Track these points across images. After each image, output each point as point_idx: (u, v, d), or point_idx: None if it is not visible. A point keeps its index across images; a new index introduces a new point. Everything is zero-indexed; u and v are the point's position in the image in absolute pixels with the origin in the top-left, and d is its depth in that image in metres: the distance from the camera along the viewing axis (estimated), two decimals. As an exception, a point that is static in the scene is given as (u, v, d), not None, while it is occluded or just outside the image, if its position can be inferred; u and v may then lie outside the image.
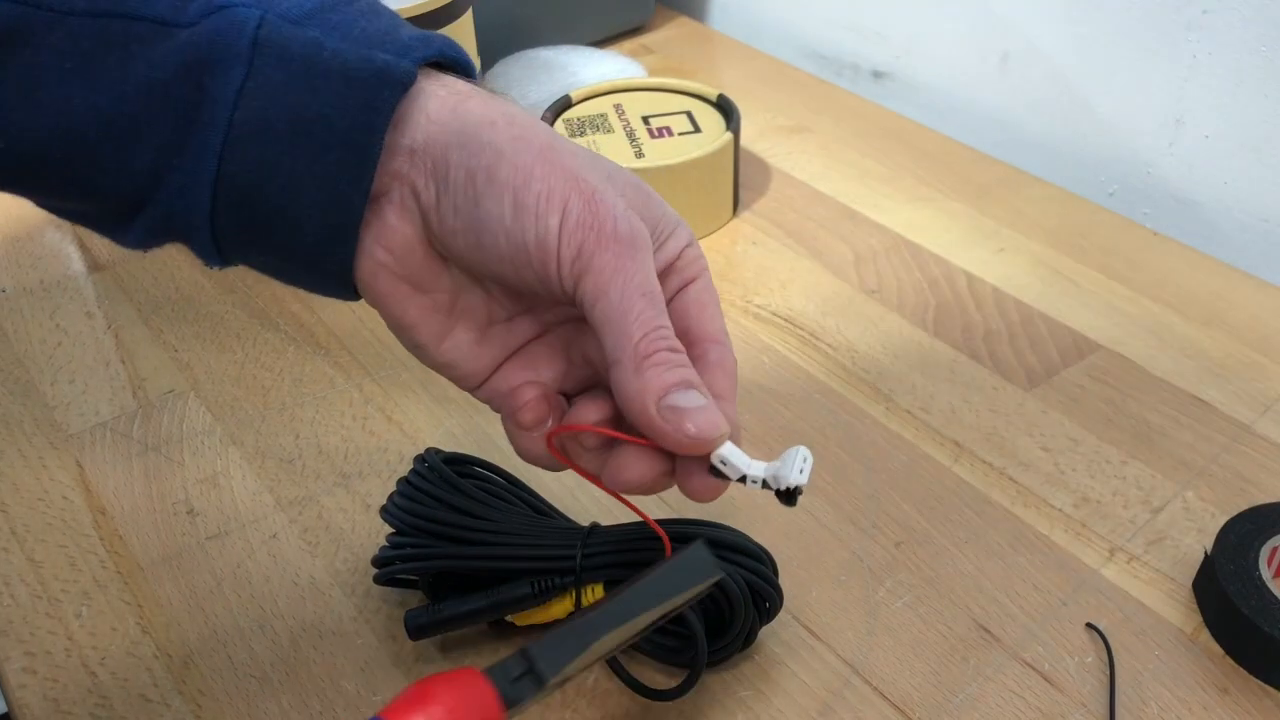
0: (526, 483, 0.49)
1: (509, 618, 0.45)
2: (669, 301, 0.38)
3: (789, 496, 0.35)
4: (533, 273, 0.35)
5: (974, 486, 0.53)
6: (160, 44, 0.32)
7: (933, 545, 0.50)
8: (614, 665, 0.44)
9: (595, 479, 0.37)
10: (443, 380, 0.59)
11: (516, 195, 0.34)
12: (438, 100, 0.35)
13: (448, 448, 0.54)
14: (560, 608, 0.44)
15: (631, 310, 0.34)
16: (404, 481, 0.47)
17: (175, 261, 0.69)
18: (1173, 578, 0.49)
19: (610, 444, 0.37)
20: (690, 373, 0.35)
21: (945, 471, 0.54)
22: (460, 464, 0.48)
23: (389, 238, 0.36)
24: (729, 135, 0.71)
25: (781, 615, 0.46)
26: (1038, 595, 0.48)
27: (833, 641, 0.46)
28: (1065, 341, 0.63)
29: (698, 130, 0.73)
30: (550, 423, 0.38)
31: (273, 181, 0.34)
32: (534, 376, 0.39)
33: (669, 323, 0.35)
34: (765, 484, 0.35)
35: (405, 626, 0.44)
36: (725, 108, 0.74)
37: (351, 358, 0.61)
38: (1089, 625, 0.47)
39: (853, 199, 0.76)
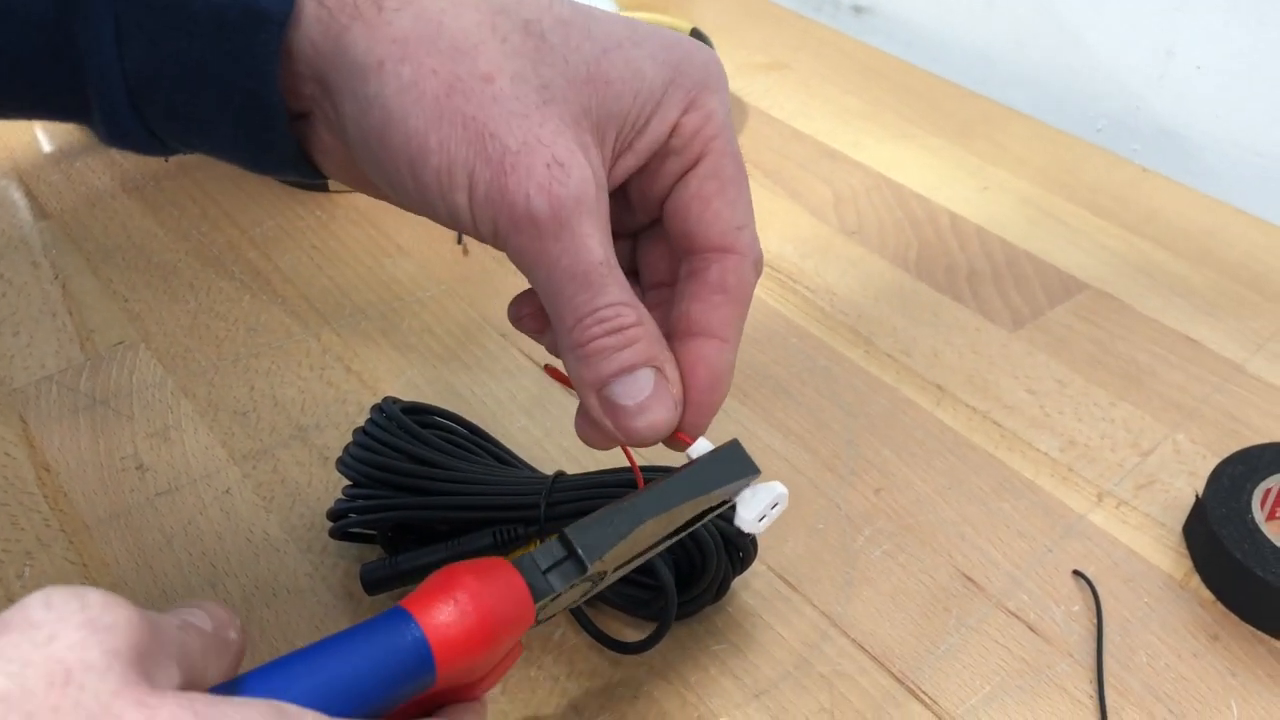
0: (490, 432, 0.46)
1: (471, 572, 0.43)
2: (667, 196, 0.33)
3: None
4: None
5: (956, 431, 0.51)
6: None
7: (913, 492, 0.48)
8: (580, 618, 0.42)
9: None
10: (405, 329, 0.57)
11: (414, 170, 0.29)
12: (320, 27, 0.29)
13: (410, 398, 0.52)
14: (524, 560, 0.42)
15: (559, 296, 0.30)
16: (360, 432, 0.45)
17: (127, 209, 0.66)
18: (1162, 522, 0.47)
19: None
20: (638, 352, 0.30)
21: (927, 416, 0.52)
22: (420, 414, 0.46)
23: (331, 152, 0.32)
24: (703, 71, 0.68)
25: (755, 565, 0.44)
26: (1022, 542, 0.46)
27: (809, 592, 0.44)
28: (1051, 281, 0.61)
29: (670, 66, 0.70)
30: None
31: (192, 128, 0.31)
32: None
33: (612, 296, 0.30)
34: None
35: (360, 580, 0.42)
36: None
37: (309, 306, 0.59)
38: (1076, 572, 0.45)
39: (832, 138, 0.73)
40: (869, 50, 0.84)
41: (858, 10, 0.90)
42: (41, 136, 0.73)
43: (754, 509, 0.33)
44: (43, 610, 0.22)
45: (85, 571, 0.45)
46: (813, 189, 0.68)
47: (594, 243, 0.29)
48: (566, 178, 0.28)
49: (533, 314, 0.34)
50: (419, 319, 0.58)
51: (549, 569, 0.30)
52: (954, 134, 0.73)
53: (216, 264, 0.62)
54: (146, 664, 0.23)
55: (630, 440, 0.31)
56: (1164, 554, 0.46)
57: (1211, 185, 0.69)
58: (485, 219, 0.29)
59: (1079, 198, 0.67)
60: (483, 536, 0.41)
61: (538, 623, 0.31)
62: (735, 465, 0.33)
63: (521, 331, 0.34)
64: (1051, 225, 0.65)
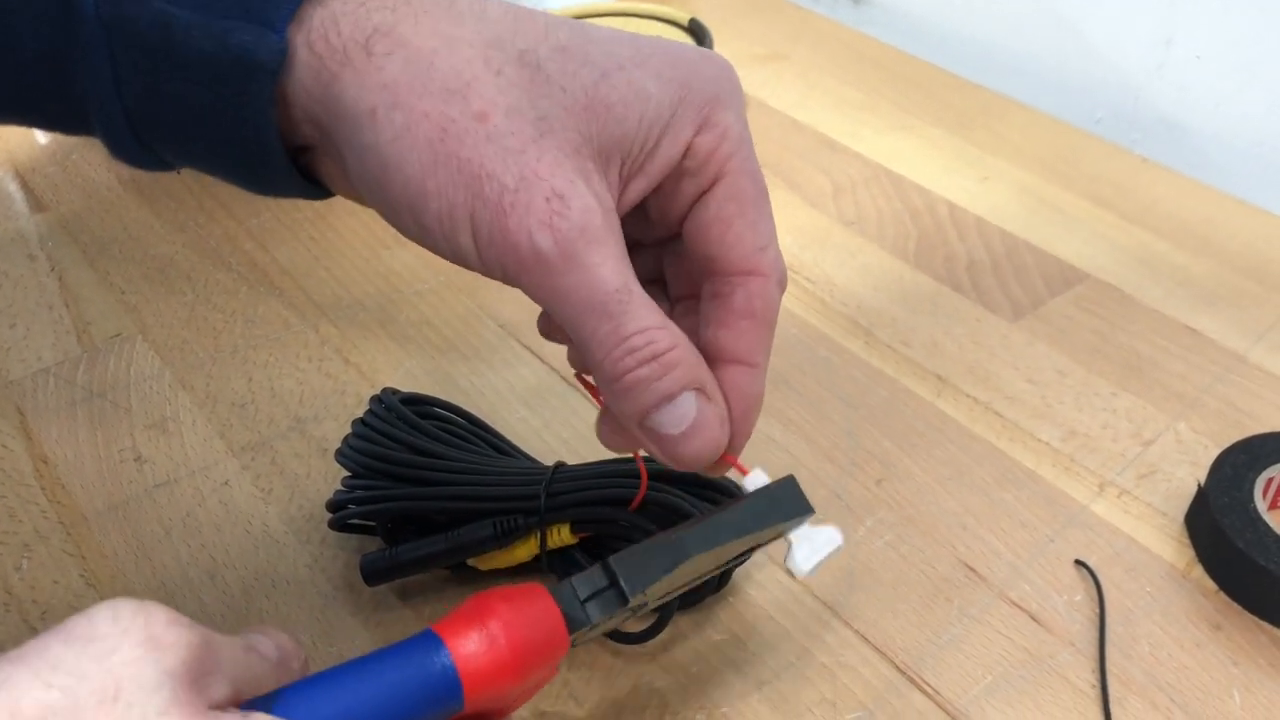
0: (489, 423, 0.46)
1: (470, 561, 0.43)
2: (685, 215, 0.32)
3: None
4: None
5: (957, 421, 0.51)
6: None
7: (915, 482, 0.48)
8: (581, 611, 0.42)
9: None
10: (403, 320, 0.57)
11: (415, 216, 0.28)
12: (312, 74, 0.28)
13: (408, 389, 0.52)
14: (524, 550, 0.42)
15: (583, 330, 0.29)
16: (359, 422, 0.45)
17: (124, 201, 0.66)
18: (1164, 512, 0.47)
19: None
20: (677, 378, 0.29)
21: (928, 406, 0.52)
22: (419, 404, 0.46)
23: (338, 178, 0.32)
24: (701, 61, 0.67)
25: (756, 556, 0.44)
26: (1024, 532, 0.46)
27: (811, 583, 0.44)
28: (1051, 271, 0.60)
29: (669, 57, 0.70)
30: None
31: (195, 159, 0.31)
32: None
33: (638, 321, 0.29)
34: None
35: (360, 571, 0.42)
36: (697, 32, 0.71)
37: (306, 297, 0.58)
38: (1078, 562, 0.45)
39: (831, 128, 0.73)
40: (867, 41, 0.83)
41: (856, 1, 0.89)
42: (38, 130, 0.73)
43: (811, 557, 0.32)
44: (109, 624, 0.23)
45: (84, 564, 0.45)
46: (811, 180, 0.68)
47: (606, 271, 0.28)
48: (567, 210, 0.28)
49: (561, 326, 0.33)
50: (417, 310, 0.57)
51: (589, 599, 0.29)
52: (953, 124, 0.73)
53: (214, 256, 0.61)
54: (201, 684, 0.24)
55: (679, 466, 0.31)
56: (1166, 543, 0.46)
57: (1211, 175, 0.69)
58: (492, 260, 0.28)
59: (1078, 188, 0.67)
60: (483, 527, 0.41)
61: (572, 647, 0.31)
62: (790, 503, 0.32)
63: (553, 342, 0.34)
64: (1051, 215, 0.65)
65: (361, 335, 0.56)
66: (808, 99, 0.76)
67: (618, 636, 0.41)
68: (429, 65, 0.28)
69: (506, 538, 0.41)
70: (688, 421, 0.30)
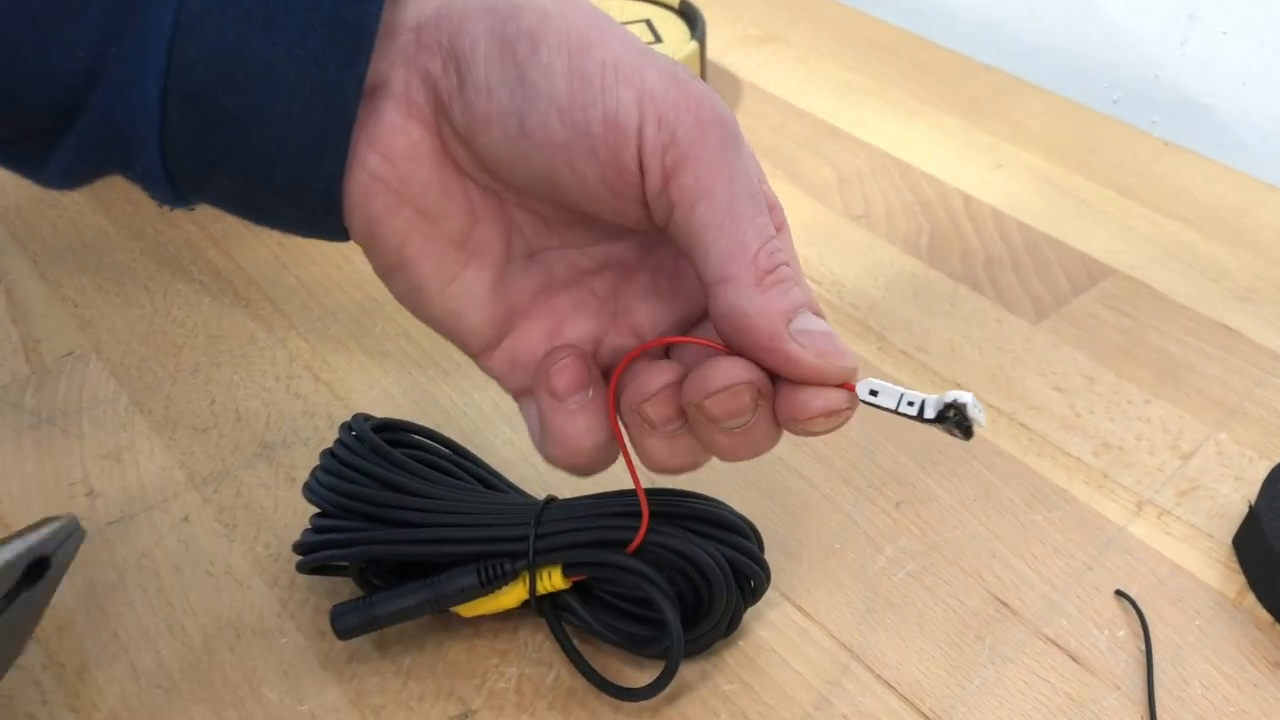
0: (472, 447, 0.42)
1: (454, 608, 0.39)
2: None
3: (965, 428, 0.28)
4: (596, 166, 0.27)
5: (981, 435, 0.47)
6: None
7: (937, 505, 0.44)
8: (577, 660, 0.38)
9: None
10: (378, 334, 0.53)
11: (573, 63, 0.27)
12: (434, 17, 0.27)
13: (385, 410, 0.48)
14: (512, 596, 0.38)
15: (743, 215, 0.27)
16: (328, 454, 0.40)
17: (76, 206, 0.61)
18: (1209, 534, 0.43)
19: (685, 424, 0.30)
20: (812, 295, 0.29)
21: (948, 418, 0.48)
22: (394, 431, 0.42)
23: (388, 142, 0.28)
24: (694, 45, 0.63)
25: (769, 594, 0.40)
26: (1058, 559, 0.42)
27: (827, 622, 0.40)
28: (1075, 266, 0.56)
29: (659, 40, 0.65)
30: (590, 393, 0.31)
31: (239, 70, 0.27)
32: (559, 341, 0.32)
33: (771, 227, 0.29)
34: (933, 414, 0.29)
35: (331, 626, 0.38)
36: (689, 15, 0.67)
37: (274, 309, 0.54)
38: (1118, 593, 0.41)
39: (834, 115, 0.69)
40: (870, 21, 0.79)
41: (856, -22, 0.85)
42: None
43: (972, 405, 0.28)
44: None
45: (28, 614, 0.41)
46: (815, 170, 0.64)
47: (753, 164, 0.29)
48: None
49: (575, 360, 0.32)
50: (394, 322, 0.53)
51: None
52: (963, 109, 0.69)
53: (174, 265, 0.57)
54: None
55: (831, 369, 0.28)
56: (1213, 569, 0.42)
57: (1239, 159, 0.65)
58: (660, 124, 0.27)
59: (1099, 175, 0.63)
60: (466, 574, 0.37)
61: None
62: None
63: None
64: (1071, 205, 0.61)
65: (333, 350, 0.52)
66: (808, 84, 0.72)
67: (619, 692, 0.37)
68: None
69: (492, 584, 0.37)
70: (829, 329, 0.28)
